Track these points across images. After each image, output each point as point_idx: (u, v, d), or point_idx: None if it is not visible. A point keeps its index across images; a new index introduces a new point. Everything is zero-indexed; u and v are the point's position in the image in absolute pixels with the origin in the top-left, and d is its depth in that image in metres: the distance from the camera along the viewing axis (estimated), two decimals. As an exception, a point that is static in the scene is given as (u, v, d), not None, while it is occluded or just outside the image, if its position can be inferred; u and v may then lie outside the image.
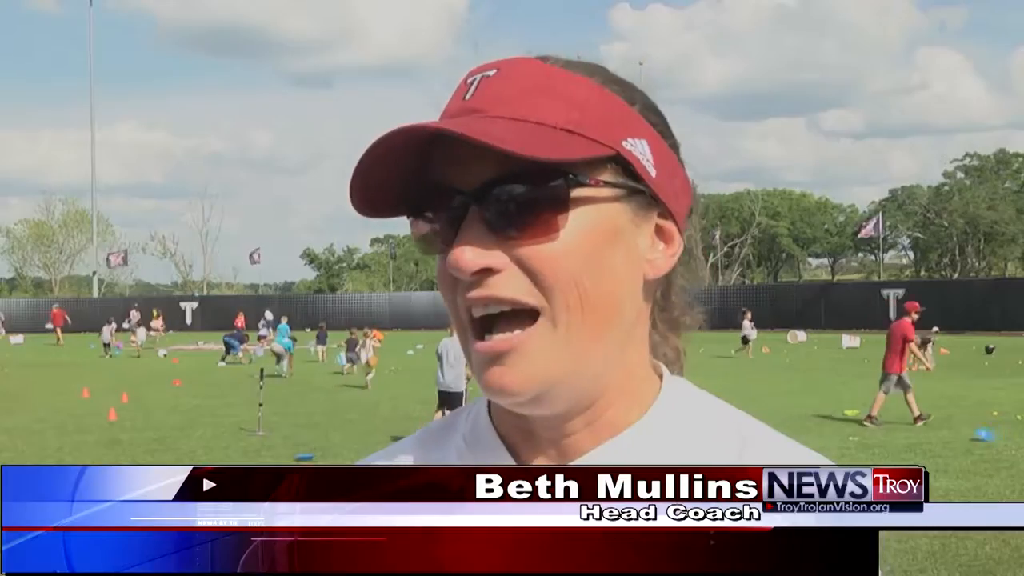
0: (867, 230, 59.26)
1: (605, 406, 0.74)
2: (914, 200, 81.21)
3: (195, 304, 57.16)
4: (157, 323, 40.66)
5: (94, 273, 67.29)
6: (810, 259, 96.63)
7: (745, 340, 27.48)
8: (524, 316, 0.68)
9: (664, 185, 0.73)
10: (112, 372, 23.58)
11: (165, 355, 30.95)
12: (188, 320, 55.62)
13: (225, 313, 41.98)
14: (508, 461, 0.76)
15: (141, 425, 12.99)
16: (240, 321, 41.38)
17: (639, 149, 0.71)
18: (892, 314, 42.56)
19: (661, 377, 0.79)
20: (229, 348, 27.73)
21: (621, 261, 0.71)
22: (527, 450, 0.76)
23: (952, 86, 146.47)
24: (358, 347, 20.32)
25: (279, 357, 23.30)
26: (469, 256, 0.66)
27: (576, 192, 0.68)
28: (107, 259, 67.67)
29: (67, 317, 41.85)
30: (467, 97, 0.71)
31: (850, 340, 29.17)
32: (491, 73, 0.71)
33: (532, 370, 0.68)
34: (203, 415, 14.21)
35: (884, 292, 43.76)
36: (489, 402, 0.81)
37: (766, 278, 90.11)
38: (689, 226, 0.79)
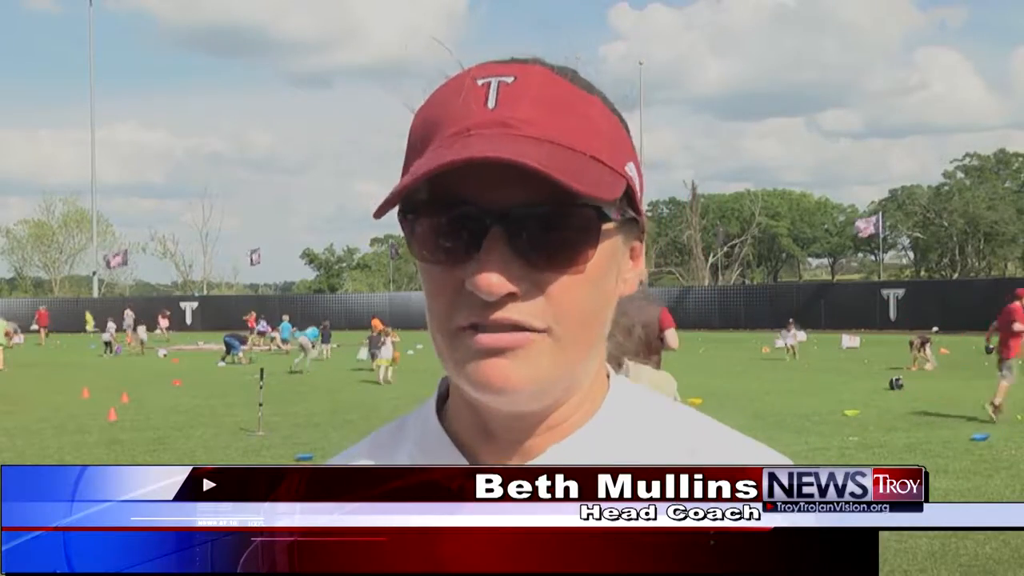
0: (867, 229, 59.24)
1: (571, 409, 0.75)
2: (914, 200, 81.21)
3: (195, 304, 57.15)
4: (164, 322, 40.60)
5: (94, 273, 67.28)
6: (810, 259, 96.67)
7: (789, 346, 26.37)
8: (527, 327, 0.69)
9: (642, 208, 0.75)
10: (112, 372, 23.57)
11: (165, 355, 30.94)
12: (188, 320, 55.61)
13: (225, 313, 41.97)
14: (462, 463, 0.76)
15: (141, 425, 12.99)
16: (252, 320, 41.84)
17: (633, 174, 0.72)
18: (892, 314, 42.65)
19: (608, 377, 0.80)
20: (229, 348, 27.75)
21: (611, 287, 0.73)
22: (483, 451, 0.76)
23: (952, 86, 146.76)
24: (380, 344, 20.84)
25: (304, 350, 24.84)
26: (495, 281, 0.65)
27: (604, 225, 0.68)
28: (106, 260, 67.61)
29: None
30: (491, 105, 0.68)
31: (850, 340, 29.14)
32: (509, 80, 0.69)
33: (532, 370, 0.68)
34: (203, 415, 14.20)
35: (884, 292, 43.77)
36: (438, 406, 0.81)
37: (766, 278, 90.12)
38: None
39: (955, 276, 72.38)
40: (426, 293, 0.72)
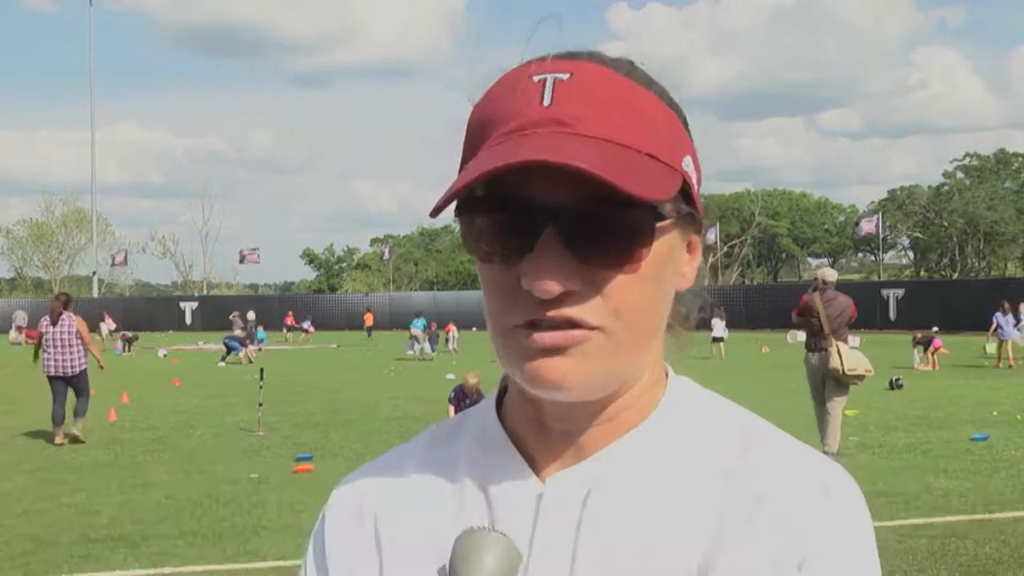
0: (867, 228, 59.28)
1: (625, 404, 0.74)
2: (914, 200, 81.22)
3: (195, 304, 57.16)
4: (106, 325, 39.91)
5: (94, 273, 67.36)
6: (810, 259, 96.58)
7: (716, 339, 27.38)
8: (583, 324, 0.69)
9: (699, 200, 0.74)
10: (112, 372, 23.56)
11: (165, 355, 30.94)
12: (188, 320, 55.62)
13: (225, 313, 41.92)
14: (518, 460, 0.76)
15: (141, 425, 13.00)
16: (291, 319, 43.04)
17: (689, 168, 0.72)
18: (892, 314, 42.65)
19: (667, 375, 0.80)
20: (230, 349, 27.80)
21: (669, 282, 0.73)
22: (539, 446, 0.76)
23: (951, 86, 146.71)
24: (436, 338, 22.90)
25: (416, 340, 27.71)
26: (551, 279, 0.65)
27: (660, 223, 0.68)
28: (112, 258, 67.82)
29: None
30: (546, 103, 0.68)
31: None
32: (564, 77, 0.68)
33: (588, 368, 0.68)
34: (203, 415, 14.21)
35: (884, 292, 43.76)
36: (498, 401, 0.81)
37: (766, 278, 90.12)
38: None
39: (955, 276, 72.39)
40: (483, 291, 0.72)
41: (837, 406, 9.45)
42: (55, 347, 11.38)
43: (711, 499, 0.71)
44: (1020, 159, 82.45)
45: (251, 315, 37.95)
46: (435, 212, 0.68)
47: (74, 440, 11.21)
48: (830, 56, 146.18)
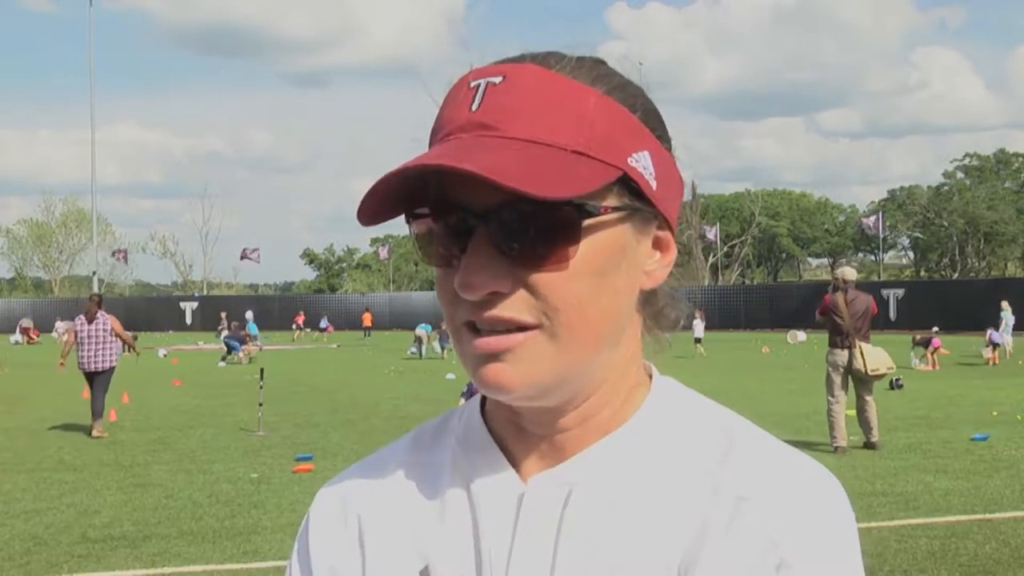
0: (869, 225, 59.39)
1: (599, 405, 0.74)
2: (914, 200, 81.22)
3: (195, 304, 57.16)
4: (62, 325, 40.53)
5: (94, 273, 67.19)
6: (810, 259, 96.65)
7: (697, 340, 28.15)
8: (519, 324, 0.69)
9: (664, 196, 0.73)
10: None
11: (165, 355, 30.94)
12: (188, 320, 55.62)
13: (225, 313, 41.98)
14: (500, 461, 0.76)
15: (141, 425, 12.99)
16: (301, 318, 43.37)
17: (642, 163, 0.71)
18: (892, 314, 42.64)
19: (651, 377, 0.80)
20: (230, 349, 27.82)
21: (622, 279, 0.72)
22: (521, 448, 0.76)
23: (951, 86, 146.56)
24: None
25: (420, 341, 28.88)
26: (477, 280, 0.67)
27: (586, 221, 0.68)
28: (113, 255, 67.97)
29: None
30: (474, 108, 0.69)
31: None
32: (497, 80, 0.69)
33: (527, 371, 0.68)
34: (203, 415, 14.21)
35: (884, 292, 43.74)
36: (483, 402, 0.81)
37: (766, 278, 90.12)
38: (688, 227, 0.79)
39: (955, 276, 72.40)
40: (438, 297, 0.74)
41: (868, 404, 9.86)
42: (90, 344, 12.13)
43: (692, 500, 0.71)
44: (1020, 159, 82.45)
45: (249, 314, 38.04)
46: (367, 222, 0.71)
47: (95, 438, 11.63)
48: (830, 56, 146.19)
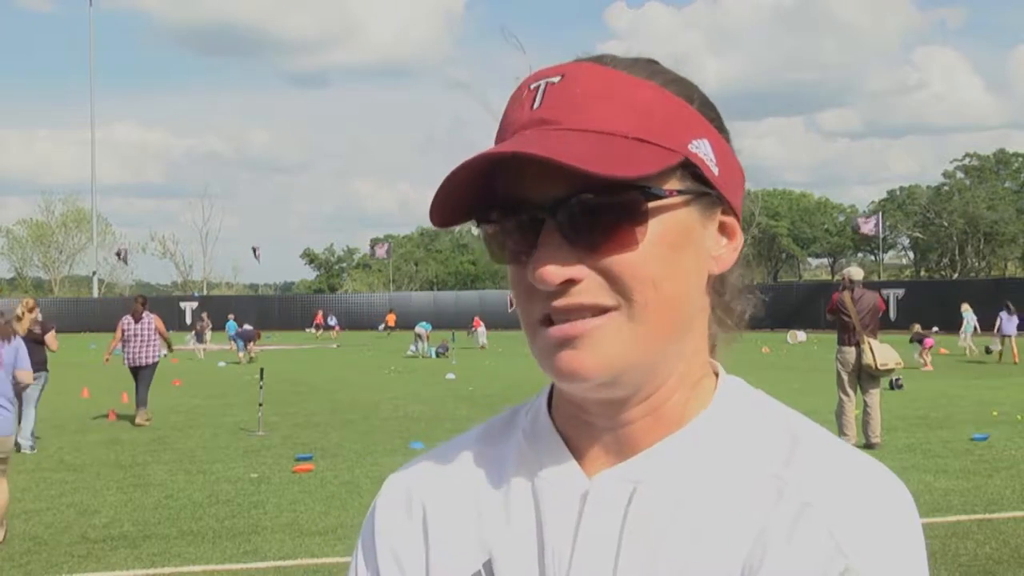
0: (868, 227, 59.28)
1: (666, 396, 0.75)
2: (914, 200, 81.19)
3: (195, 304, 57.12)
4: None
5: (94, 273, 67.37)
6: (810, 259, 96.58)
7: None
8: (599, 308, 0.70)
9: (726, 182, 0.75)
10: (112, 372, 23.56)
11: (165, 355, 30.93)
12: (188, 320, 55.56)
13: (225, 313, 41.92)
14: (565, 455, 0.77)
15: (141, 425, 12.99)
16: (320, 318, 43.76)
17: (703, 150, 0.73)
18: (892, 314, 42.60)
19: (717, 374, 0.81)
20: (246, 341, 28.21)
21: (691, 261, 0.73)
22: (586, 442, 0.77)
23: (951, 86, 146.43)
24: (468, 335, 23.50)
25: (420, 339, 28.89)
26: (551, 270, 0.68)
27: (651, 204, 0.69)
28: (118, 254, 68.08)
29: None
30: (535, 106, 0.71)
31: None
32: (556, 80, 0.72)
33: (603, 356, 0.69)
34: (203, 415, 14.21)
35: (884, 292, 43.70)
36: (549, 397, 0.82)
37: (766, 278, 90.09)
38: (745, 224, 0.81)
39: (955, 276, 72.38)
40: (511, 292, 0.76)
41: (874, 398, 9.99)
42: (136, 341, 13.17)
43: (757, 503, 0.70)
44: (1020, 159, 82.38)
45: (248, 327, 38.19)
46: (442, 224, 0.73)
47: (137, 425, 12.82)
48: (830, 56, 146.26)
